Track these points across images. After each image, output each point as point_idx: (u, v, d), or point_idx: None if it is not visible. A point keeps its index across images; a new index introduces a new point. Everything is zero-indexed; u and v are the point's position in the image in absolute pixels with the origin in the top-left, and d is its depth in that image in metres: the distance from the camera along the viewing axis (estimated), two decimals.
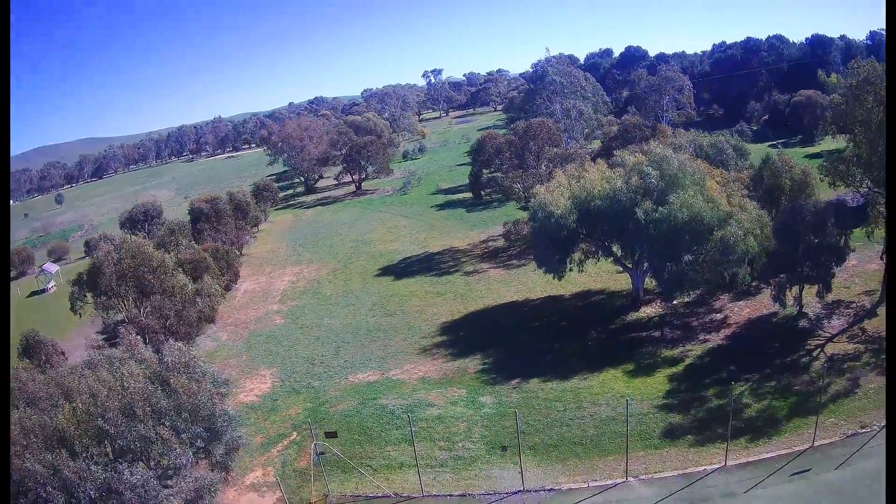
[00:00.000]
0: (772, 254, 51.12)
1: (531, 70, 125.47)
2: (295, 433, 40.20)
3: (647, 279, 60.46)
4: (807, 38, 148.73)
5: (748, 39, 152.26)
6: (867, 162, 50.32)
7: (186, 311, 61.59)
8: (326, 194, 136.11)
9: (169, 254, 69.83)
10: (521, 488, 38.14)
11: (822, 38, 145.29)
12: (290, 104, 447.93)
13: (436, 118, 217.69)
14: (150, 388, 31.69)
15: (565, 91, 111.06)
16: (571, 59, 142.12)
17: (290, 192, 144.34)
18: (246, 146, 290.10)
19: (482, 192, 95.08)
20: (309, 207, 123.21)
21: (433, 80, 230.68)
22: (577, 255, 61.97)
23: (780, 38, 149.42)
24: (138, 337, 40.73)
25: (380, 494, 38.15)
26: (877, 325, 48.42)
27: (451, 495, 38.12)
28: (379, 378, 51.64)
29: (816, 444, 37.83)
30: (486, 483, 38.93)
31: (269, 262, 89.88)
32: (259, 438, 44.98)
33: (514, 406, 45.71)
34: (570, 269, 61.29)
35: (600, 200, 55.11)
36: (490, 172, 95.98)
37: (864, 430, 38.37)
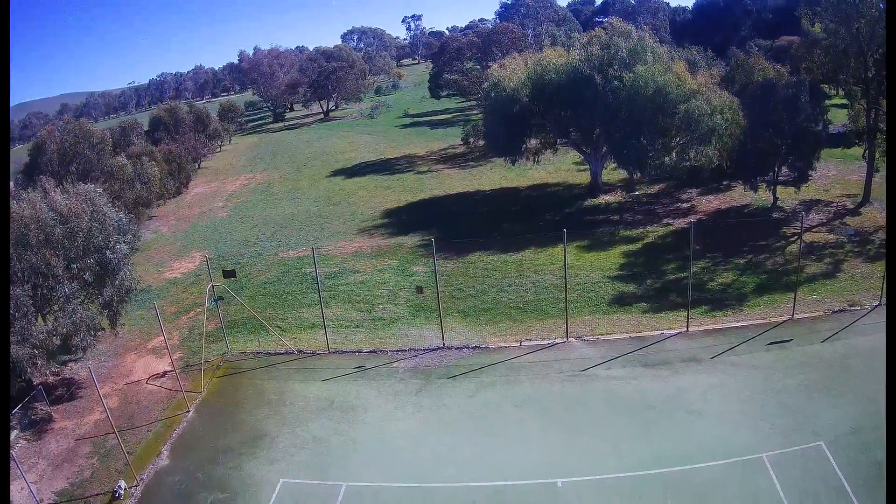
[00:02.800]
0: (742, 143, 43.89)
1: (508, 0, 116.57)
2: (219, 320, 33.33)
3: (608, 170, 54.22)
4: None
5: None
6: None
7: (124, 194, 56.48)
8: (294, 122, 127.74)
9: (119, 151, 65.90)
10: (441, 345, 30.74)
11: None
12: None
13: (414, 64, 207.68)
14: (46, 216, 27.94)
15: (538, 16, 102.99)
16: None
17: (259, 122, 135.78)
18: (225, 93, 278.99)
19: (440, 93, 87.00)
20: (274, 132, 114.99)
21: (412, 27, 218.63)
22: (532, 143, 54.42)
23: None
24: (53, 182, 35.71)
25: (282, 351, 32.12)
26: (861, 222, 41.14)
27: (360, 351, 31.61)
28: (309, 254, 44.45)
29: (797, 317, 30.70)
30: (403, 342, 32.32)
31: (225, 172, 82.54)
32: (173, 308, 39.39)
33: (450, 274, 38.29)
34: (526, 159, 54.00)
35: (556, 74, 48.24)
36: (452, 75, 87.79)
37: (853, 308, 31.23)
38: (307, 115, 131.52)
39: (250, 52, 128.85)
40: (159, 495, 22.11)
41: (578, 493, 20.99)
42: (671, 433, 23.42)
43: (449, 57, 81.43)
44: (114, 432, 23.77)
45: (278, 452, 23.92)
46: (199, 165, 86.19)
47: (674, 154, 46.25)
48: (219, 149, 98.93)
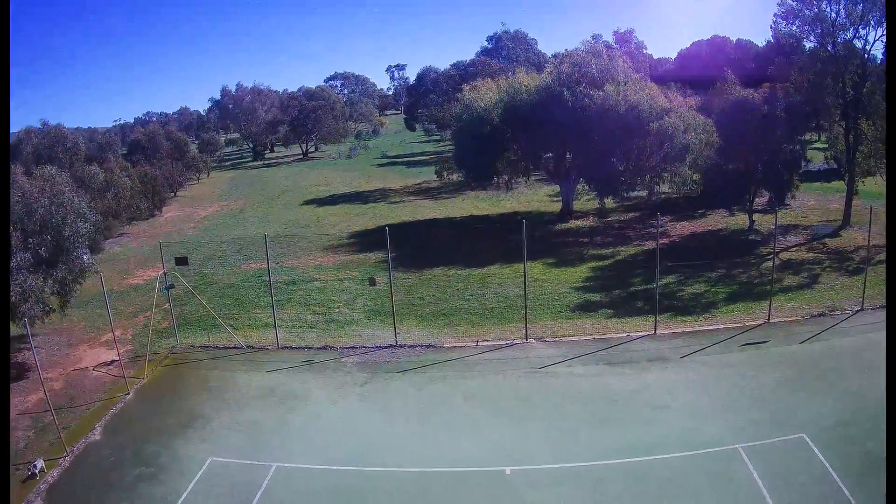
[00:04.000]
0: (717, 165, 42.29)
1: (488, 45, 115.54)
2: (168, 304, 31.82)
3: (580, 201, 53.01)
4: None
5: (715, 37, 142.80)
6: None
7: (94, 203, 52.65)
8: (273, 161, 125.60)
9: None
10: (394, 343, 28.08)
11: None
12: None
13: (396, 114, 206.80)
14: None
15: (518, 58, 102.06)
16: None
17: (239, 159, 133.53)
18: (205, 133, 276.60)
19: (416, 124, 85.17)
20: (253, 169, 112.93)
21: (396, 76, 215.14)
22: (504, 170, 52.60)
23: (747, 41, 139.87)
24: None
25: (231, 346, 29.64)
26: (840, 243, 38.91)
27: (309, 348, 29.04)
28: (274, 267, 41.95)
29: (773, 321, 28.34)
30: (355, 341, 29.81)
31: (200, 200, 79.99)
32: (131, 309, 36.72)
33: (410, 285, 35.81)
34: (498, 187, 52.16)
35: (527, 95, 46.48)
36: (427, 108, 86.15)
37: (833, 312, 28.94)
38: (286, 156, 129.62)
39: (233, 89, 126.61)
40: (86, 467, 20.09)
41: (529, 481, 18.24)
42: (634, 425, 20.88)
43: (425, 90, 79.57)
44: (50, 410, 21.81)
45: (211, 433, 21.71)
46: (174, 194, 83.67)
47: (647, 178, 44.29)
48: (196, 180, 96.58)
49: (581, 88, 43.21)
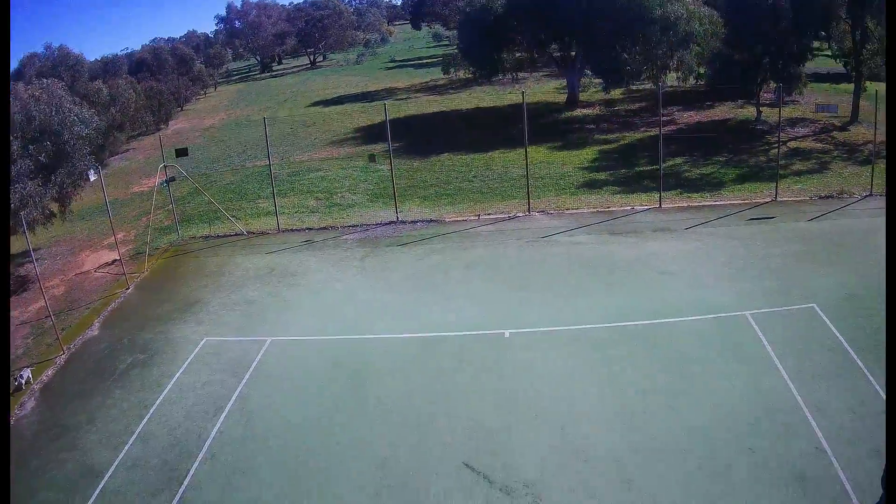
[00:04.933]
0: (723, 55, 39.60)
1: None
2: (170, 204, 30.57)
3: (588, 92, 50.15)
4: None
5: None
6: None
7: (99, 117, 51.13)
8: (281, 72, 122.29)
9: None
10: (395, 220, 26.72)
11: None
12: None
13: (405, 23, 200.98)
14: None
15: None
16: None
17: (246, 73, 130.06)
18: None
19: (422, 24, 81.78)
20: (261, 80, 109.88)
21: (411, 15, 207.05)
22: (510, 63, 50.22)
23: None
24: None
25: (232, 233, 28.27)
26: (847, 136, 36.51)
27: (310, 229, 27.75)
28: (277, 161, 40.41)
29: (781, 199, 26.72)
30: (356, 220, 28.58)
31: (206, 112, 77.55)
32: (135, 213, 35.29)
33: (414, 170, 34.25)
34: (504, 74, 49.60)
35: None
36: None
37: (841, 195, 27.12)
38: (294, 66, 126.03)
39: (238, 4, 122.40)
40: (81, 362, 18.84)
41: (528, 343, 17.14)
42: (638, 290, 19.67)
43: None
44: (49, 315, 20.43)
45: (207, 315, 20.54)
46: (181, 108, 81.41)
47: (653, 68, 42.15)
48: (203, 94, 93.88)
49: None
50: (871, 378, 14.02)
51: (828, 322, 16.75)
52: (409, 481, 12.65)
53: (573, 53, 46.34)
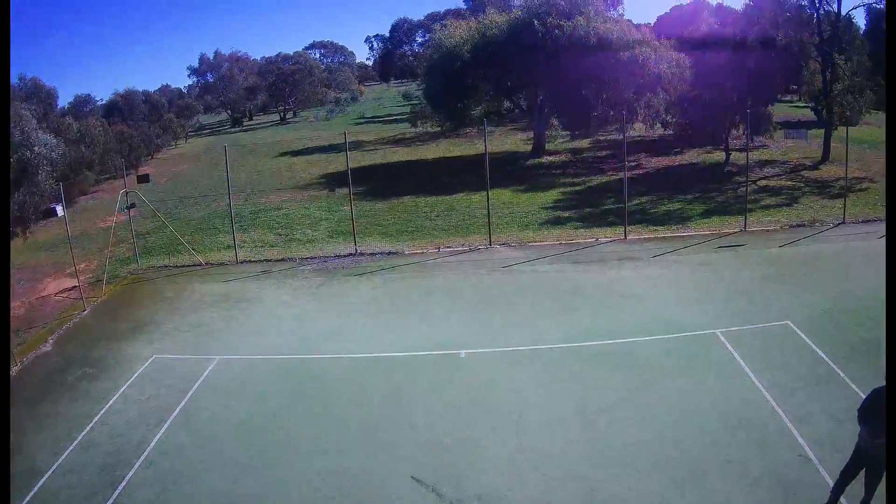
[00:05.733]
0: (691, 99, 39.92)
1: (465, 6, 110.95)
2: (132, 237, 29.55)
3: (555, 143, 50.01)
4: None
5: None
6: None
7: (68, 153, 50.27)
8: (251, 126, 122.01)
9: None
10: (354, 252, 25.59)
11: None
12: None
13: (376, 84, 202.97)
14: None
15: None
16: None
17: (217, 128, 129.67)
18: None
19: (389, 77, 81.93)
20: (231, 134, 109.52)
21: (375, 46, 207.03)
22: (475, 107, 49.99)
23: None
24: None
25: (190, 264, 27.43)
26: (819, 175, 36.30)
27: (268, 260, 26.73)
28: (241, 203, 39.49)
29: (751, 229, 26.10)
30: (315, 253, 27.64)
31: (175, 161, 76.85)
32: (99, 245, 33.28)
33: (376, 211, 33.43)
34: (468, 125, 49.30)
35: (498, 31, 43.39)
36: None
37: (814, 224, 26.60)
38: (264, 122, 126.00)
39: (211, 56, 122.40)
40: (33, 374, 18.06)
41: (484, 362, 15.98)
42: (601, 313, 18.65)
43: (399, 40, 76.19)
44: None
45: (159, 335, 19.63)
46: (152, 156, 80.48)
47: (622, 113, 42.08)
48: (173, 145, 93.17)
49: (550, 19, 40.57)
50: (853, 386, 12.94)
51: (803, 336, 15.76)
52: (354, 492, 11.44)
53: (539, 99, 46.02)
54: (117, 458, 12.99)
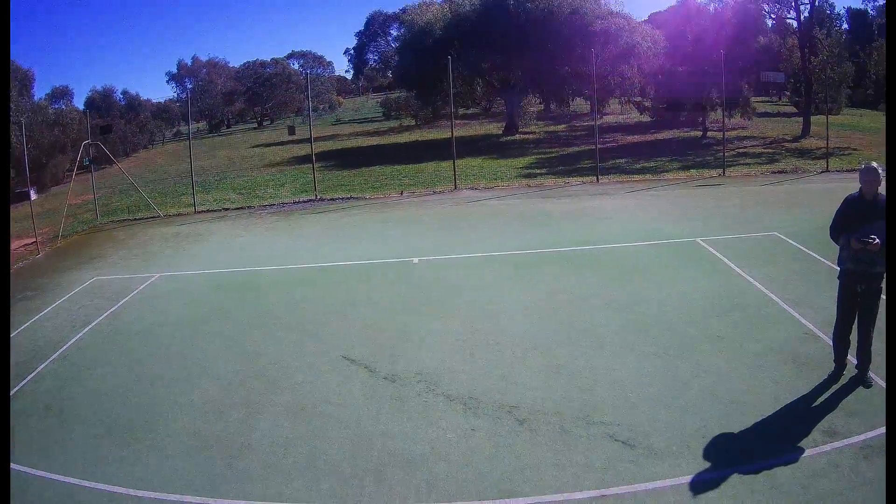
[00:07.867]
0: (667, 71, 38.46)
1: None
2: (92, 195, 28.35)
3: (523, 120, 48.17)
4: None
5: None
6: None
7: (43, 139, 47.71)
8: (228, 132, 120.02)
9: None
10: (314, 198, 23.64)
11: None
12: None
13: (355, 97, 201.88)
14: None
15: None
16: None
17: (195, 132, 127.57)
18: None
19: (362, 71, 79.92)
20: (209, 138, 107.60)
21: (355, 60, 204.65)
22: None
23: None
24: None
25: (149, 216, 25.98)
26: (799, 146, 34.25)
27: (225, 209, 25.25)
28: (210, 178, 37.87)
29: (731, 175, 24.43)
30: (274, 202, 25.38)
31: (152, 158, 74.77)
32: (65, 217, 31.17)
33: (343, 177, 31.50)
34: (442, 101, 47.31)
35: (471, 8, 41.45)
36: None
37: (796, 171, 25.08)
38: (242, 128, 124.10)
39: (189, 62, 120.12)
40: None
41: (435, 265, 14.14)
42: (573, 228, 16.89)
43: (373, 33, 74.17)
44: None
45: (104, 265, 18.31)
46: (128, 155, 78.26)
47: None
48: (150, 146, 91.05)
49: None
50: None
51: (793, 243, 13.99)
52: (273, 373, 9.72)
53: (512, 76, 44.19)
54: (34, 355, 11.88)
